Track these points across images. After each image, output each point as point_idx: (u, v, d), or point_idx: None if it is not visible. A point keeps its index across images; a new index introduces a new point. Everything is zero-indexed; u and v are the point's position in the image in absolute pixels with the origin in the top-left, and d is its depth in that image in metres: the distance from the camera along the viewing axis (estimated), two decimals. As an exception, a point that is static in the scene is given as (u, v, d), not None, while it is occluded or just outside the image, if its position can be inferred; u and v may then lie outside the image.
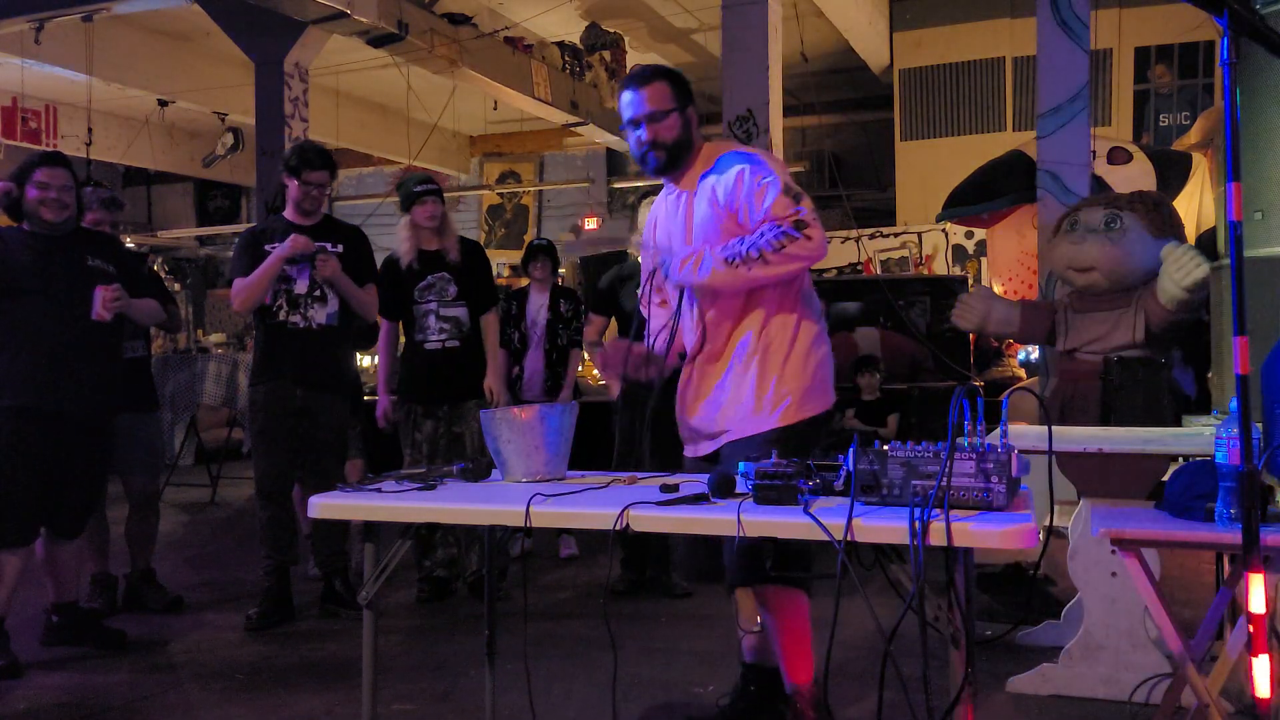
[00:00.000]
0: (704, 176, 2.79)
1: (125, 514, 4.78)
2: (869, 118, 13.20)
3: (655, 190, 3.26)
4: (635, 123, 2.79)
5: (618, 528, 1.98)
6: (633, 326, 2.88)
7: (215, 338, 12.51)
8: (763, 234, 2.60)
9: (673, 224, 2.86)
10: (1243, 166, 1.82)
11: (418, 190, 4.64)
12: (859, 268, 11.26)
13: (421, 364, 4.67)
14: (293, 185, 4.38)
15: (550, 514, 2.07)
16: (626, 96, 2.81)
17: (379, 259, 4.66)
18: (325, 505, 2.30)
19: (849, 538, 1.81)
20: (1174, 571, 4.77)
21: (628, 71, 2.84)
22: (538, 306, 5.57)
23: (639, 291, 2.95)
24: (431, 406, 4.67)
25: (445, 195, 4.79)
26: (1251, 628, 1.74)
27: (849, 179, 13.19)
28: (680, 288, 2.79)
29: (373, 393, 5.93)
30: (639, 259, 4.96)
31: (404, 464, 4.60)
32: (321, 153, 4.47)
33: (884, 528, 1.83)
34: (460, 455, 4.48)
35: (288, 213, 4.46)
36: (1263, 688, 1.73)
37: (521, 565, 5.40)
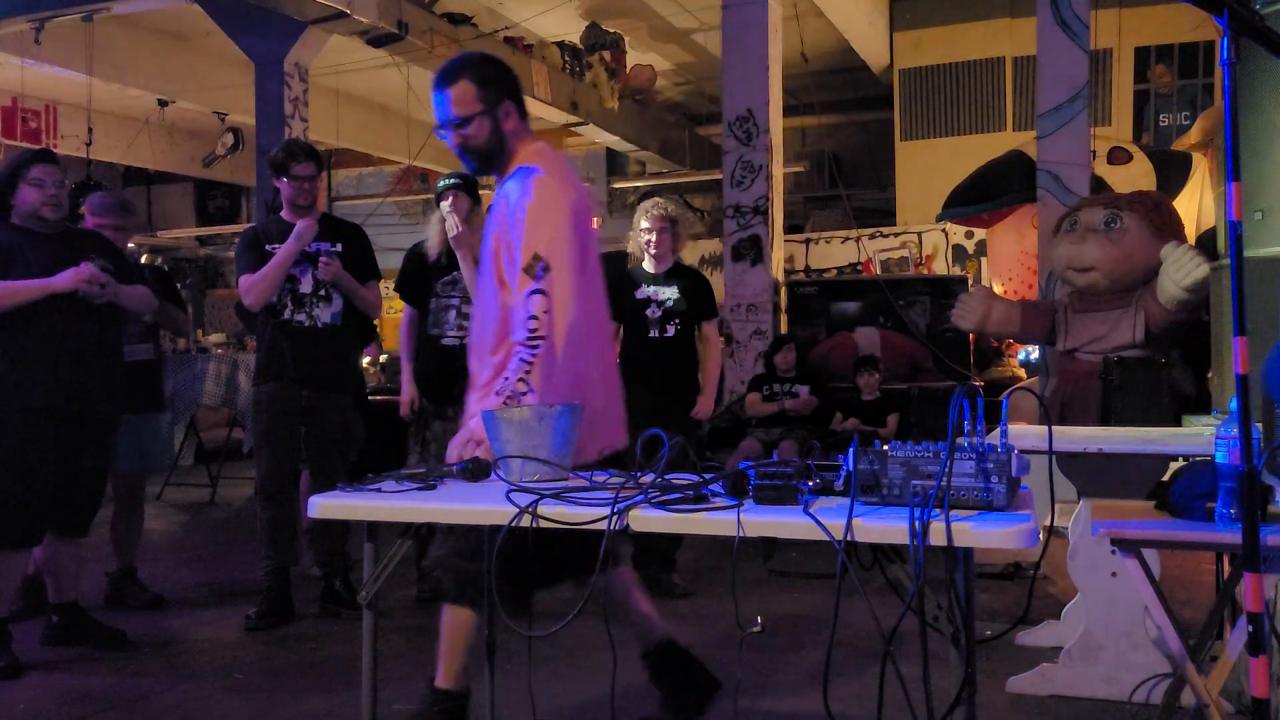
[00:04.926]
0: (503, 183, 2.70)
1: (111, 514, 4.74)
2: (869, 118, 13.20)
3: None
4: (443, 125, 2.70)
5: (616, 527, 1.98)
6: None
7: (215, 338, 12.49)
8: (514, 362, 2.57)
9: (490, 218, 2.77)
10: (1243, 166, 1.81)
11: (442, 185, 4.58)
12: (859, 268, 11.27)
13: (436, 360, 4.53)
14: (284, 184, 4.37)
15: (550, 514, 2.07)
16: (434, 96, 2.70)
17: (381, 259, 4.65)
18: (325, 505, 2.30)
19: (849, 538, 1.81)
20: (1174, 571, 4.76)
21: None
22: None
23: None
24: (441, 405, 4.52)
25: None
26: (1251, 628, 1.74)
27: (849, 179, 13.18)
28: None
29: (374, 392, 5.93)
30: (645, 262, 4.97)
31: (407, 463, 4.57)
32: (306, 147, 4.46)
33: (884, 528, 1.83)
34: None
35: (284, 214, 4.45)
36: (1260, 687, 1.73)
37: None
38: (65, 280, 3.72)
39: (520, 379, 2.56)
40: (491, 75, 2.70)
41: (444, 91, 2.67)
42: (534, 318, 2.57)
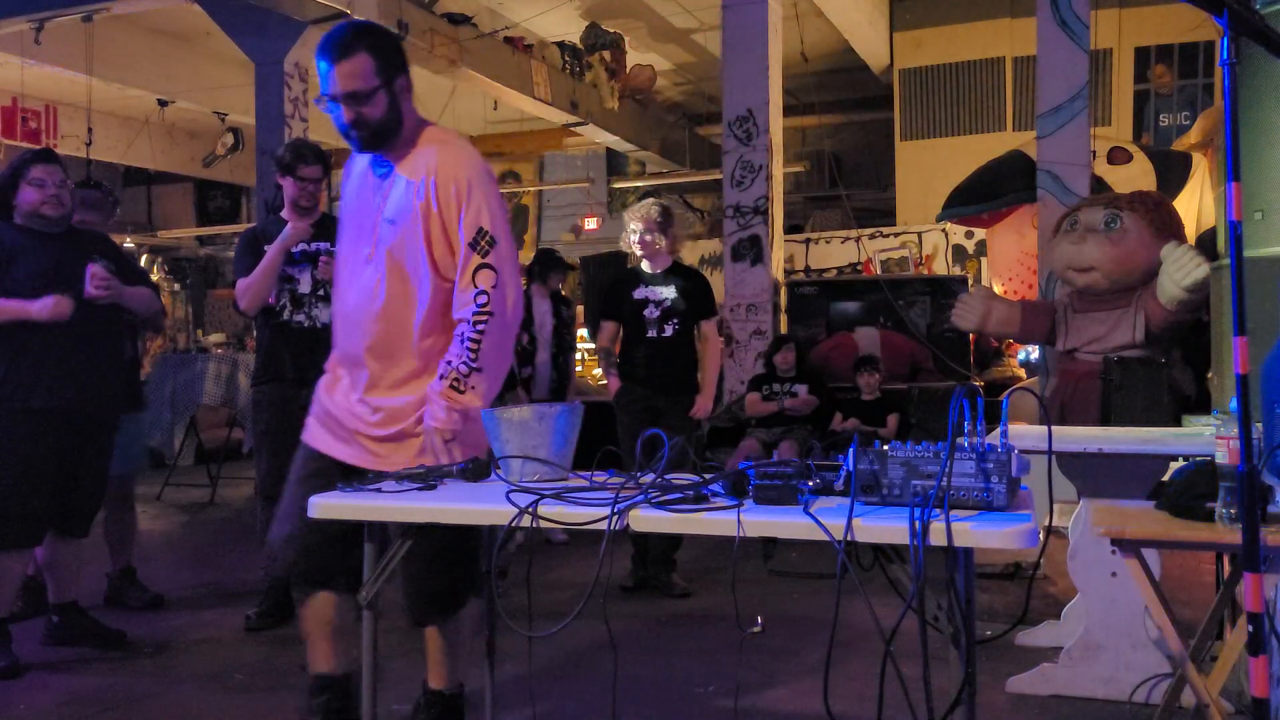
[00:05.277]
0: (417, 162, 2.58)
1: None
2: (869, 118, 13.20)
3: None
4: (332, 99, 2.53)
5: (616, 527, 1.98)
6: None
7: (215, 338, 12.49)
8: (459, 343, 2.51)
9: (372, 199, 2.65)
10: (1243, 166, 1.81)
11: None
12: (859, 268, 11.27)
13: None
14: (288, 183, 4.36)
15: (550, 514, 2.07)
16: (321, 67, 2.51)
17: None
18: (325, 505, 2.30)
19: (849, 538, 1.81)
20: (1174, 571, 4.77)
21: (334, 37, 2.54)
22: (543, 311, 6.01)
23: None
24: None
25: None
26: (1251, 628, 1.74)
27: (849, 179, 13.19)
28: None
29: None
30: (643, 262, 4.98)
31: None
32: (314, 148, 4.45)
33: (884, 528, 1.83)
34: None
35: (285, 213, 4.45)
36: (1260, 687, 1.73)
37: (527, 563, 5.40)
38: (44, 310, 3.68)
39: (466, 360, 2.50)
40: (388, 47, 2.58)
41: (337, 64, 2.50)
42: (484, 293, 2.51)
